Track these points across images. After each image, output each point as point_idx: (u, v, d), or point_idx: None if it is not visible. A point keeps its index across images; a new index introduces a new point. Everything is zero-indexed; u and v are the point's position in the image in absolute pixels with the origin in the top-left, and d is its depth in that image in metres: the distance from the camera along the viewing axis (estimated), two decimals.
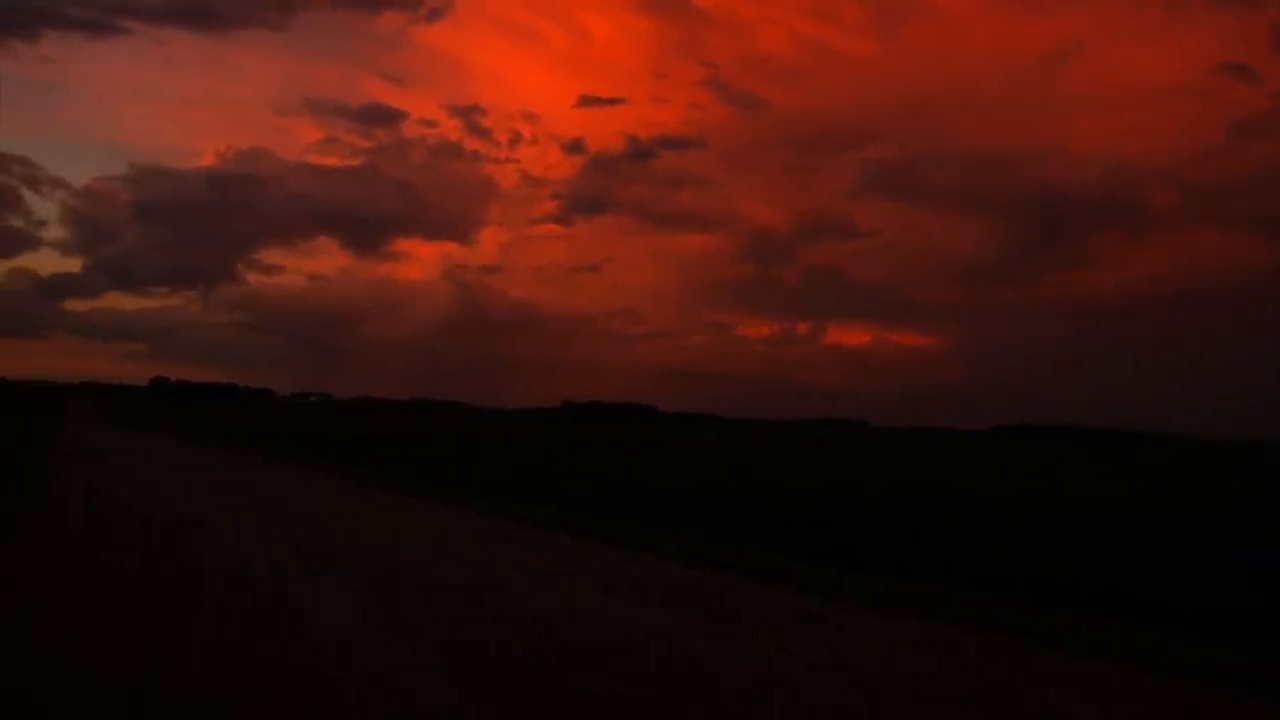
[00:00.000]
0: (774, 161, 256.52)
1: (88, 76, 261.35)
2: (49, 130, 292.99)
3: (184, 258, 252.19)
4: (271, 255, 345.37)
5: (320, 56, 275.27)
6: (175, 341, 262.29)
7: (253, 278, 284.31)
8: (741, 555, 10.68)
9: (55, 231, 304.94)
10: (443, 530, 12.55)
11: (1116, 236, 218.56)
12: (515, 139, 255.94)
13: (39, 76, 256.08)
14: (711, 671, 5.74)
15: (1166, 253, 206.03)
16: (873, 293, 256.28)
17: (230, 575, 8.56)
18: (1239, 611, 7.68)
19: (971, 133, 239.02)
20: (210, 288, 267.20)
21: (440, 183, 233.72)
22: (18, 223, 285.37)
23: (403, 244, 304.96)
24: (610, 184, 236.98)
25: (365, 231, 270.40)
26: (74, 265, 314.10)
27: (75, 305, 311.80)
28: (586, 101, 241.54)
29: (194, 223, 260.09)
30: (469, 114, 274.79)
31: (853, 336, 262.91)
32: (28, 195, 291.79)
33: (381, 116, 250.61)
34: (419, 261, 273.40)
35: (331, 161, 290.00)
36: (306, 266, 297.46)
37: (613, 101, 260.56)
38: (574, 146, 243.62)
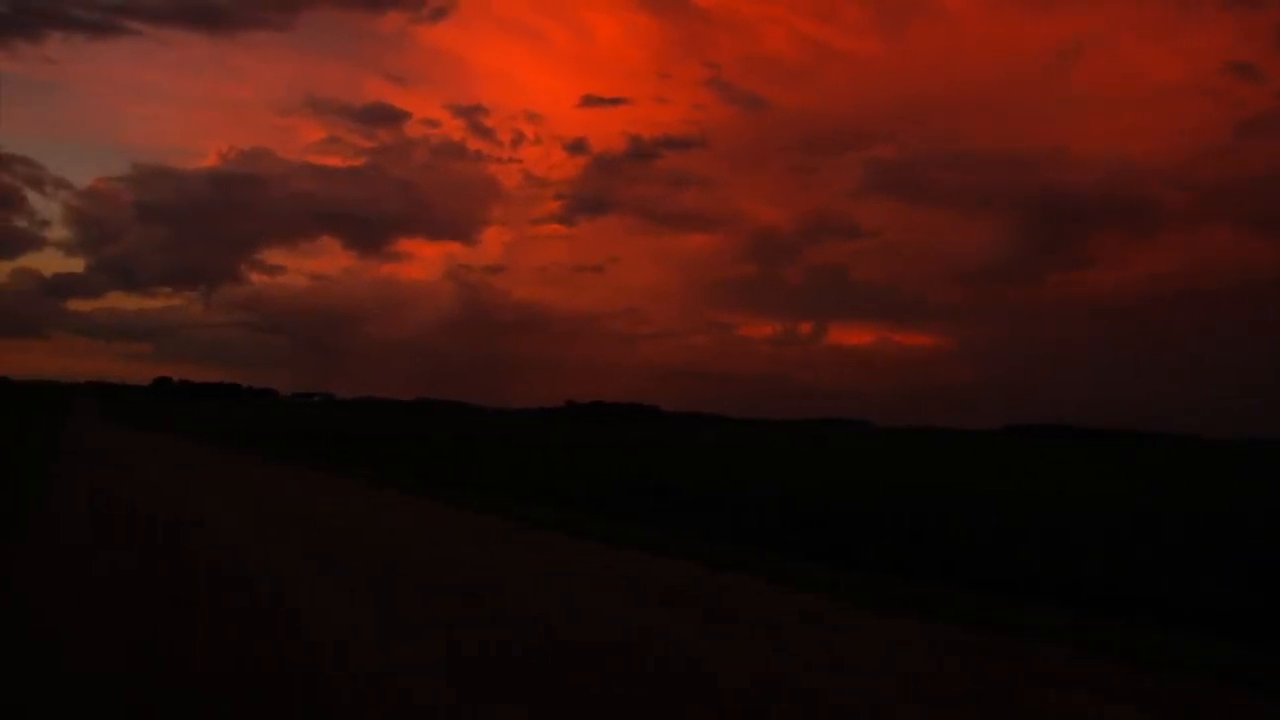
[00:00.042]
0: (777, 161, 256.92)
1: (91, 77, 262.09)
2: (52, 131, 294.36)
3: (187, 258, 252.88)
4: (274, 255, 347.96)
5: (323, 56, 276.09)
6: (178, 341, 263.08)
7: (255, 278, 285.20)
8: (740, 555, 10.66)
9: (58, 232, 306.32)
10: (441, 530, 12.53)
11: (1120, 237, 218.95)
12: (518, 139, 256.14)
13: (42, 77, 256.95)
14: (709, 671, 5.73)
15: (1171, 253, 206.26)
16: (875, 293, 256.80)
17: (228, 575, 8.54)
18: (1239, 611, 7.67)
19: (975, 133, 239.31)
20: (213, 288, 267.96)
21: (443, 183, 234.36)
22: (21, 223, 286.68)
23: (405, 244, 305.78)
24: (613, 184, 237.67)
25: (368, 232, 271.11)
26: (77, 265, 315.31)
27: (78, 305, 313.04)
28: (589, 101, 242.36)
29: (197, 223, 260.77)
30: (472, 114, 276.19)
31: (855, 336, 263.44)
32: (31, 195, 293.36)
33: (384, 116, 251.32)
34: (422, 262, 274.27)
35: (334, 162, 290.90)
36: (309, 267, 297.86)
37: (615, 101, 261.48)
38: (577, 146, 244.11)
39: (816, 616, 7.49)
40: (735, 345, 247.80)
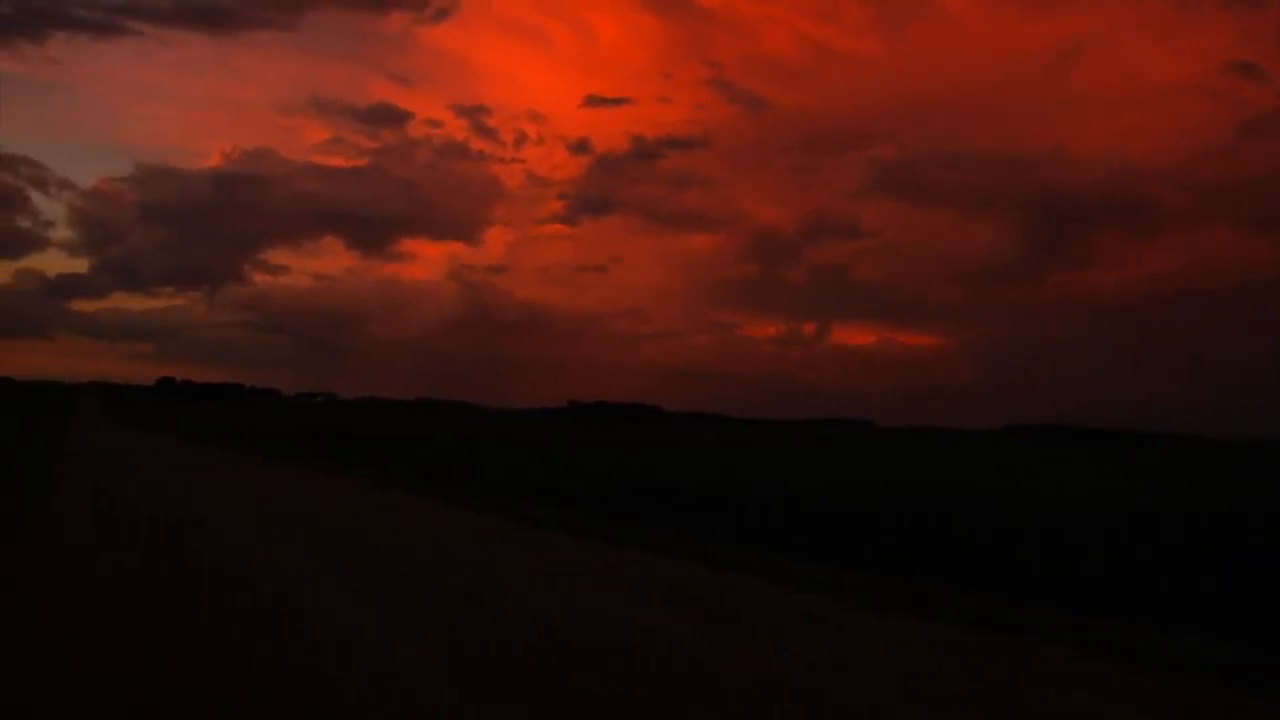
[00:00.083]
0: (778, 161, 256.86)
1: (94, 77, 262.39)
2: (56, 131, 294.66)
3: (190, 258, 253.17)
4: (277, 255, 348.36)
5: (326, 57, 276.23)
6: (181, 342, 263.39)
7: (259, 278, 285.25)
8: (742, 555, 10.68)
9: (62, 232, 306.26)
10: (443, 530, 12.56)
11: (1122, 237, 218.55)
12: (521, 139, 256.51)
13: (46, 77, 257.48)
14: (711, 671, 5.75)
15: (1171, 253, 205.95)
16: (877, 293, 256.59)
17: (230, 575, 8.57)
18: (1239, 611, 7.68)
19: (976, 133, 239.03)
20: (216, 288, 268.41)
21: (446, 183, 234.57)
22: (25, 223, 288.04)
23: (408, 244, 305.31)
24: (616, 184, 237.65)
25: (371, 232, 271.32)
26: (81, 266, 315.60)
27: (82, 305, 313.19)
28: (592, 101, 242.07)
29: (200, 223, 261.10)
30: (475, 114, 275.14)
31: (858, 336, 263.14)
32: (35, 196, 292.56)
33: (387, 117, 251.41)
34: (425, 262, 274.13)
35: (337, 162, 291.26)
36: (312, 267, 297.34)
37: (618, 101, 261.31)
38: (580, 146, 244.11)
39: (819, 616, 7.51)
40: (738, 345, 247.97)
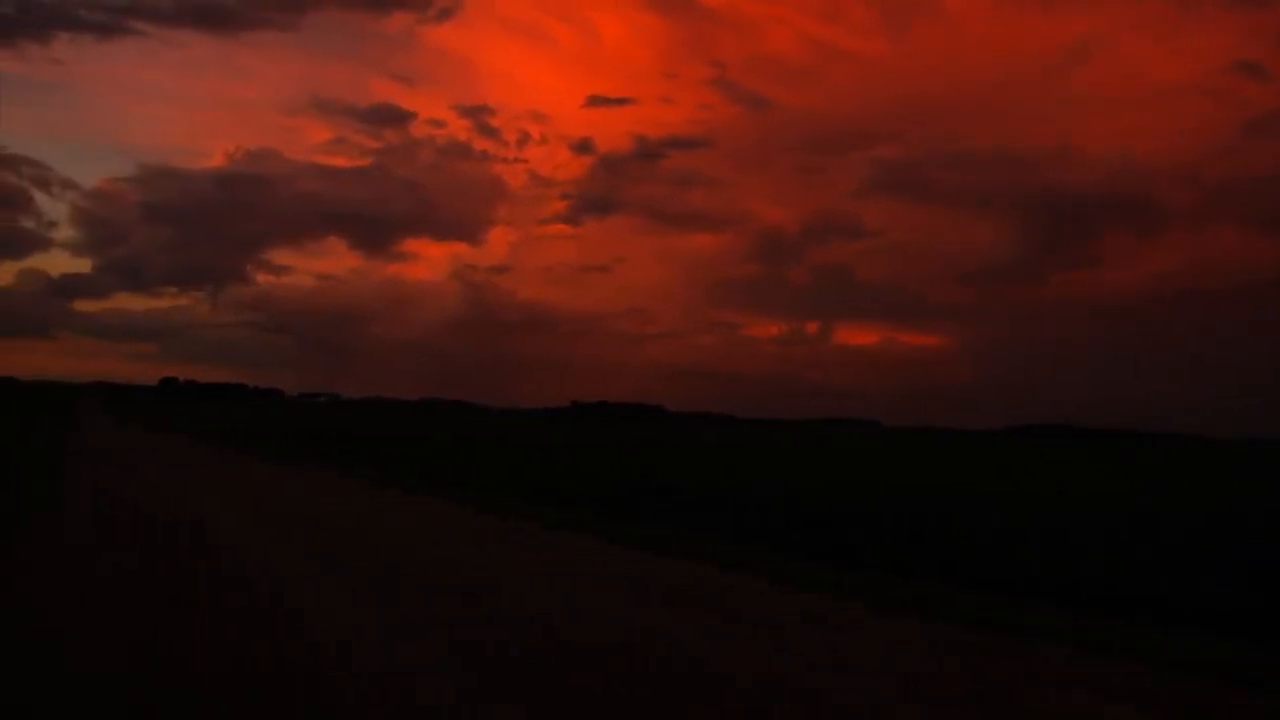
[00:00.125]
0: (782, 161, 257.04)
1: (97, 78, 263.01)
2: (59, 131, 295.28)
3: (193, 258, 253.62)
4: (280, 256, 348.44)
5: (329, 57, 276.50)
6: (184, 342, 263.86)
7: (261, 278, 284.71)
8: (743, 555, 10.67)
9: (65, 232, 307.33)
10: (442, 530, 12.55)
11: (1126, 236, 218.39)
12: (524, 139, 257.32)
13: (49, 78, 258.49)
14: (712, 672, 5.74)
15: (1175, 253, 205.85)
16: (880, 293, 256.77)
17: (228, 575, 8.56)
18: (1239, 611, 7.67)
19: (979, 133, 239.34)
20: (219, 288, 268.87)
21: (449, 183, 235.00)
22: (29, 224, 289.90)
23: (411, 244, 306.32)
24: (619, 184, 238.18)
25: (374, 232, 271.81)
26: (84, 266, 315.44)
27: (85, 306, 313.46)
28: (595, 101, 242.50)
29: (203, 223, 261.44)
30: (477, 114, 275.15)
31: (861, 336, 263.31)
32: (38, 196, 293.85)
33: (390, 117, 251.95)
34: (428, 262, 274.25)
35: (340, 162, 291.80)
36: (315, 267, 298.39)
37: (621, 101, 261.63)
38: (583, 146, 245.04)
39: (819, 616, 7.50)
40: (741, 345, 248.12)
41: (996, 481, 25.94)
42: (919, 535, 12.13)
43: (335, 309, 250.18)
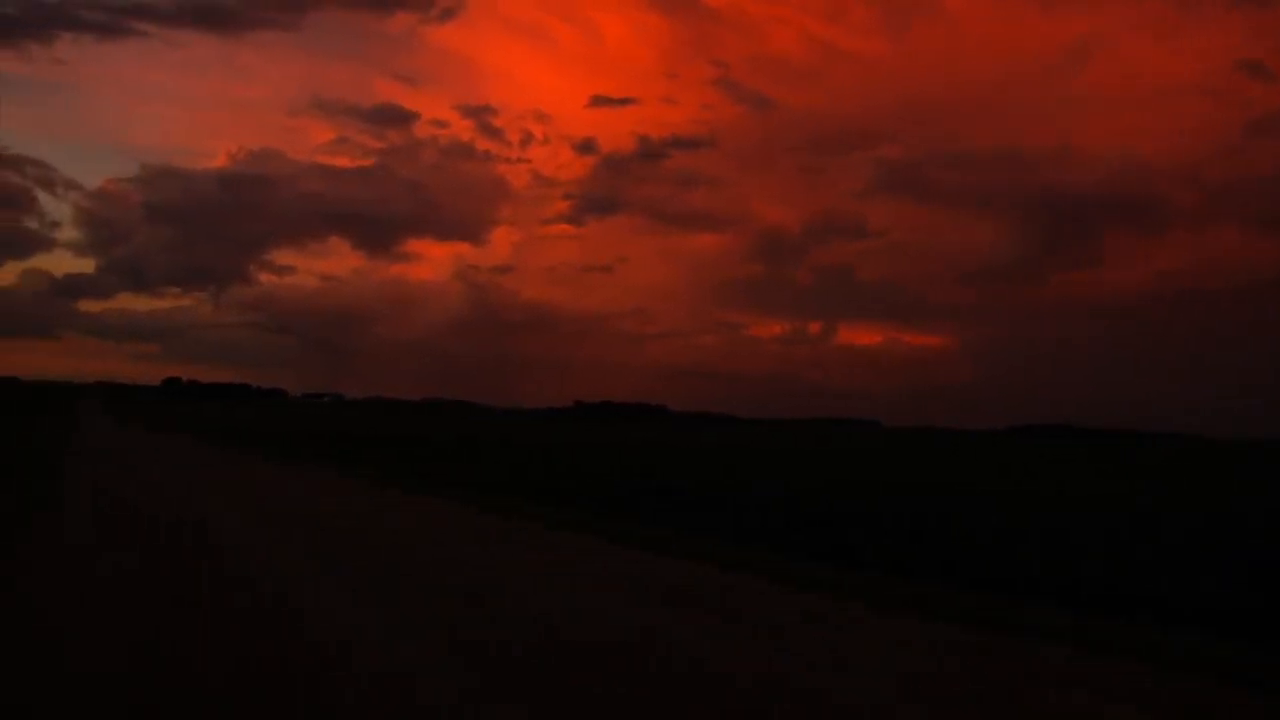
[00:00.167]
0: (784, 161, 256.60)
1: (100, 78, 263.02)
2: (62, 132, 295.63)
3: (196, 258, 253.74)
4: (283, 256, 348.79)
5: (331, 57, 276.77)
6: (187, 342, 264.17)
7: (264, 278, 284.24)
8: (743, 555, 10.68)
9: (69, 232, 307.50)
10: (444, 530, 12.56)
11: (1128, 236, 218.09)
12: (527, 139, 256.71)
13: (52, 78, 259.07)
14: (712, 672, 5.75)
15: (1178, 252, 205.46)
16: (883, 292, 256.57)
17: (230, 575, 8.57)
18: (1239, 611, 7.68)
19: (982, 132, 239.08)
20: (222, 288, 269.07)
21: (452, 183, 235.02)
22: (32, 224, 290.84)
23: (414, 244, 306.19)
24: (621, 184, 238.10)
25: (377, 232, 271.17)
26: (87, 266, 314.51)
27: (88, 306, 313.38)
28: (598, 101, 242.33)
29: (206, 223, 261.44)
30: (480, 114, 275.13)
31: (864, 336, 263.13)
32: (42, 196, 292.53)
33: (393, 117, 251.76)
34: (431, 262, 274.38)
35: (343, 162, 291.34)
36: (318, 267, 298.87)
37: (624, 101, 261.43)
38: (585, 146, 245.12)
39: (819, 616, 7.51)
40: (743, 345, 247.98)
41: (997, 481, 25.95)
42: (919, 535, 12.14)
43: (338, 309, 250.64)
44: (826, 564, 10.21)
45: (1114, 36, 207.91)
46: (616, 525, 13.25)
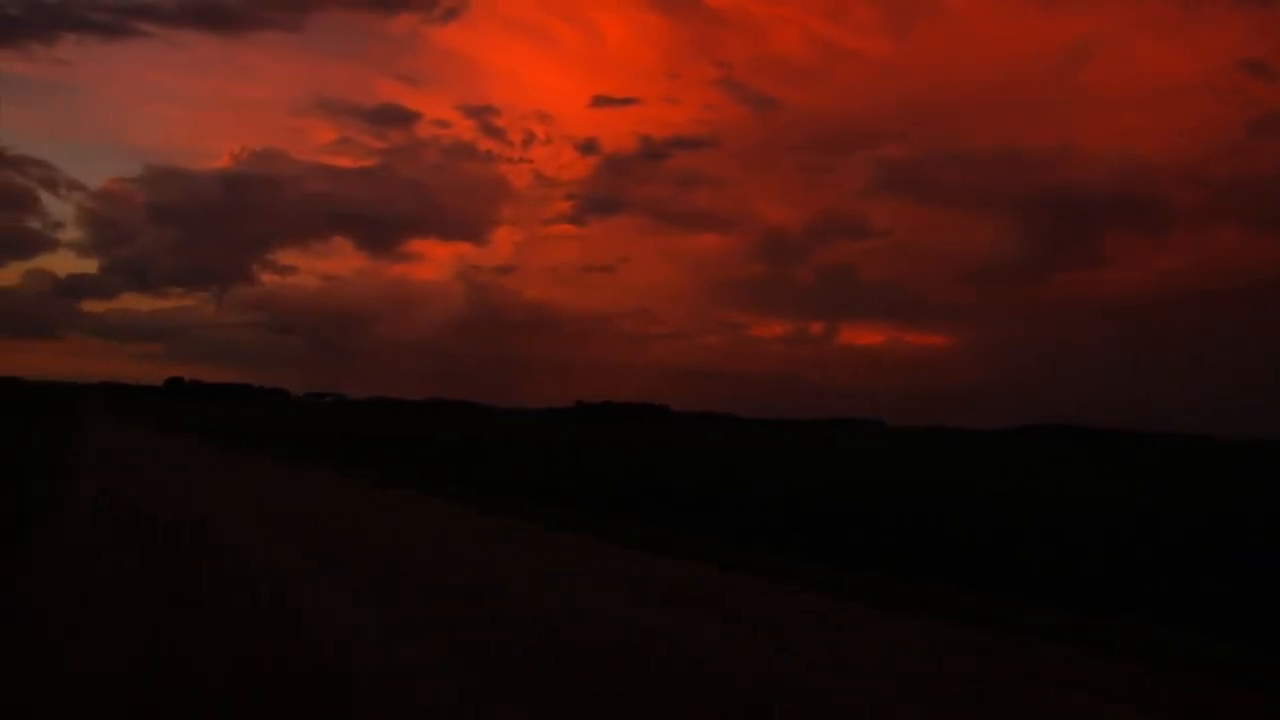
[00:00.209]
0: (787, 161, 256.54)
1: (103, 78, 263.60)
2: (65, 132, 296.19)
3: (199, 259, 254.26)
4: (286, 256, 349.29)
5: (334, 57, 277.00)
6: (190, 342, 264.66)
7: (267, 278, 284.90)
8: (743, 555, 10.68)
9: (72, 233, 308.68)
10: (444, 530, 12.56)
11: (1131, 236, 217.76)
12: (529, 139, 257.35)
13: (55, 79, 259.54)
14: (712, 672, 5.75)
15: (1180, 252, 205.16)
16: (886, 292, 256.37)
17: (230, 575, 8.57)
18: (1239, 611, 7.67)
19: (985, 132, 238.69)
20: (225, 288, 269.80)
21: (454, 183, 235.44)
22: (35, 224, 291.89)
23: (417, 244, 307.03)
24: (624, 184, 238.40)
25: (379, 232, 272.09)
26: (90, 266, 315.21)
27: (92, 306, 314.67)
28: (600, 102, 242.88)
29: (209, 224, 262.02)
30: (483, 114, 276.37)
31: (866, 336, 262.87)
32: (45, 197, 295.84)
33: (395, 117, 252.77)
34: (433, 262, 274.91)
35: (345, 162, 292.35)
36: (321, 267, 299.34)
37: (626, 102, 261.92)
38: (588, 147, 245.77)
39: (819, 616, 7.50)
40: (746, 345, 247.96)
41: (997, 481, 25.93)
42: (919, 535, 12.13)
43: (341, 309, 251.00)
44: (826, 564, 10.20)
45: (1116, 36, 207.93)
46: (616, 525, 13.25)
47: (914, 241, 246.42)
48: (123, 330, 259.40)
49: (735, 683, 5.52)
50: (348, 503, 15.73)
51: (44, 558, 9.14)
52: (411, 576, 8.64)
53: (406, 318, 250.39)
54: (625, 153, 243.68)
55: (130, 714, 4.75)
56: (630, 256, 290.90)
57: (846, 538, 11.68)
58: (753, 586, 8.78)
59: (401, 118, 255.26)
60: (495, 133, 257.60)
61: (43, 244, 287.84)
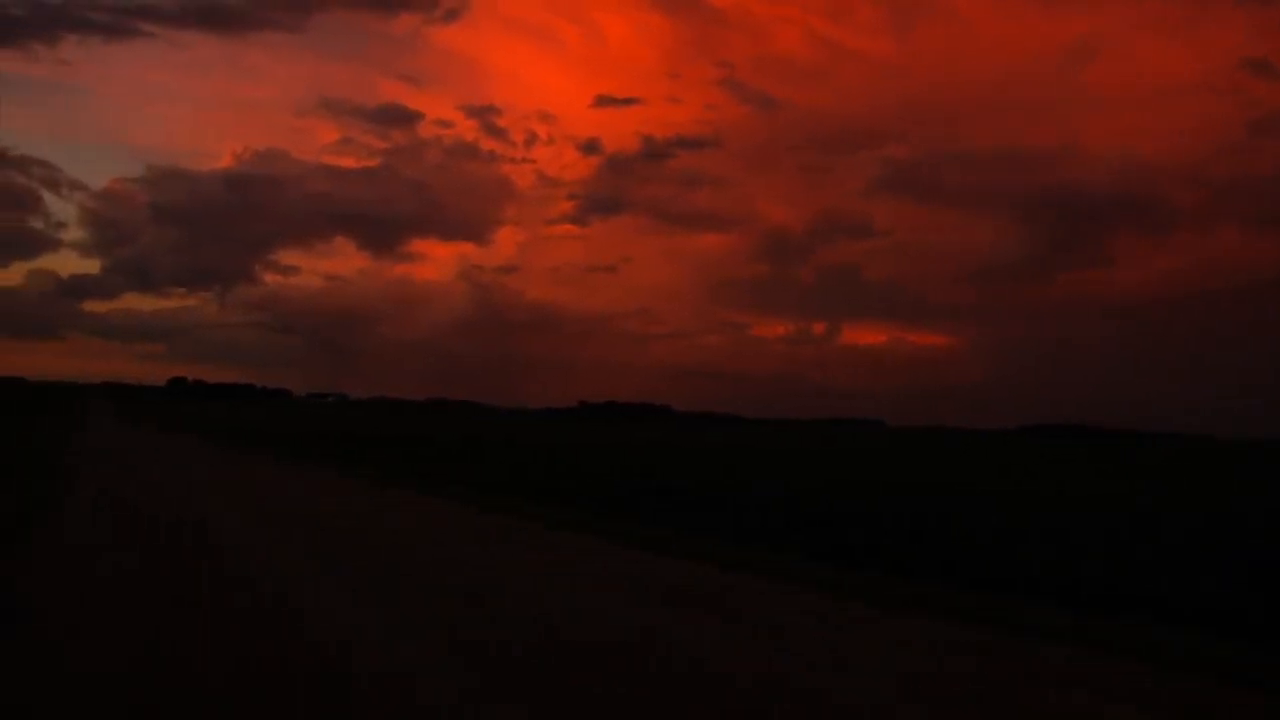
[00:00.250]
0: (789, 161, 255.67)
1: (105, 79, 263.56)
2: (68, 132, 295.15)
3: (201, 259, 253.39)
4: (288, 256, 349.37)
5: (336, 58, 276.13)
6: (192, 342, 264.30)
7: (270, 278, 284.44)
8: (743, 555, 10.68)
9: (74, 233, 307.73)
10: (444, 530, 12.57)
11: (1133, 236, 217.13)
12: (531, 139, 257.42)
13: (57, 79, 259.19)
14: (712, 672, 5.75)
15: (1182, 252, 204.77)
16: (887, 292, 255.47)
17: (231, 575, 8.58)
18: (1239, 611, 7.67)
19: (987, 132, 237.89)
20: (227, 288, 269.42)
21: (456, 183, 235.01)
22: (38, 224, 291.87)
23: (419, 244, 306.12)
24: (626, 184, 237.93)
25: (382, 232, 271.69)
26: (93, 266, 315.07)
27: (94, 306, 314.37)
28: (602, 101, 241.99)
29: (211, 224, 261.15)
30: (485, 114, 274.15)
31: (868, 336, 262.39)
32: (47, 197, 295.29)
33: (397, 117, 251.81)
34: (435, 262, 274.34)
35: (348, 162, 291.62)
36: (323, 267, 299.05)
37: (628, 101, 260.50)
38: (590, 146, 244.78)
39: (819, 616, 7.51)
40: (748, 345, 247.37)
41: (997, 481, 25.94)
42: (919, 535, 12.14)
43: (343, 309, 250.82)
44: (826, 564, 10.21)
45: (1117, 35, 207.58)
46: (617, 525, 13.26)
47: (915, 241, 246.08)
48: (125, 330, 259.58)
49: (735, 683, 5.53)
50: (348, 503, 15.74)
51: (44, 558, 9.15)
52: (412, 576, 8.65)
53: (409, 318, 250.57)
54: (627, 153, 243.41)
55: (131, 714, 4.76)
56: (632, 256, 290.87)
57: (847, 538, 11.68)
58: (753, 586, 8.78)
59: (404, 118, 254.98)
60: (497, 133, 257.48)
61: (45, 244, 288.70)
